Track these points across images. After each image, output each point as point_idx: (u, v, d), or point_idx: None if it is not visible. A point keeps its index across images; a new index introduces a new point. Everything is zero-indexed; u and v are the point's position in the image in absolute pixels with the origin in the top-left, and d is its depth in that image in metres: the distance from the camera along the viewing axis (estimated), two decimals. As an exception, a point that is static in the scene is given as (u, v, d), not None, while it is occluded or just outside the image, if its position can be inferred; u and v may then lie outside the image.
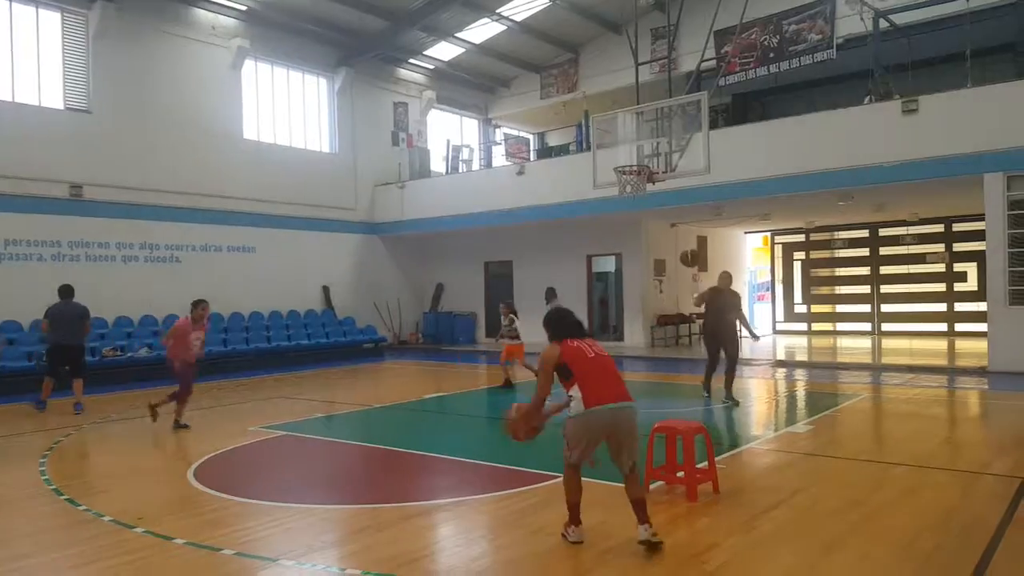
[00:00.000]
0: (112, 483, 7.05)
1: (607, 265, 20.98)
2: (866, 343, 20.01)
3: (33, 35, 15.27)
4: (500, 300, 14.59)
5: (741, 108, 20.99)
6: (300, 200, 19.69)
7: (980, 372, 13.28)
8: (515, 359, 12.73)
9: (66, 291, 11.29)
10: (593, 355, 4.88)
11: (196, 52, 17.58)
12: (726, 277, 11.03)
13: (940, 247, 20.78)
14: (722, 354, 10.77)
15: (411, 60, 22.35)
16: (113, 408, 11.31)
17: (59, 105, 15.56)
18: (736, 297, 10.94)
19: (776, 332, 23.49)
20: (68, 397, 10.98)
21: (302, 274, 19.68)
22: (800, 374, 14.51)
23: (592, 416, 4.72)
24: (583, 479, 4.91)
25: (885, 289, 21.88)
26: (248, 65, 18.69)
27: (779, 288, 23.97)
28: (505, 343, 12.84)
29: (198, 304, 9.88)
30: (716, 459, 6.20)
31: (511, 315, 12.99)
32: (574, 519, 4.90)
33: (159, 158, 16.72)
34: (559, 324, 5.15)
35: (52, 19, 15.50)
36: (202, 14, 17.69)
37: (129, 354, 14.93)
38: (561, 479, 4.88)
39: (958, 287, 20.53)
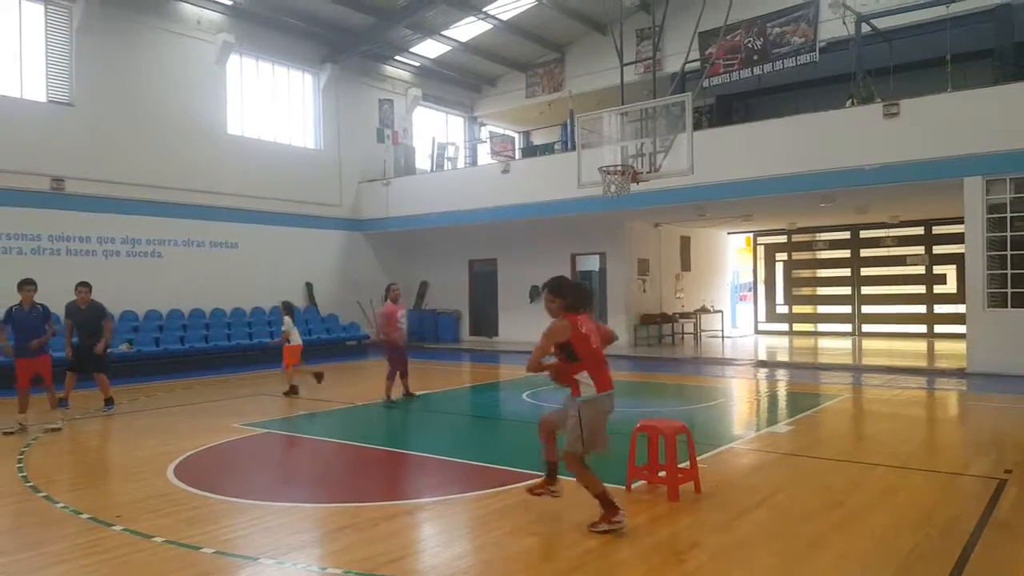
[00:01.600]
0: (90, 480, 6.99)
1: (591, 264, 21.03)
2: (847, 344, 20.18)
3: (16, 27, 15.09)
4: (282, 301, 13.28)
5: (725, 109, 21.08)
6: (284, 196, 19.59)
7: (959, 374, 13.43)
8: (290, 364, 12.02)
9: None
10: (596, 346, 5.07)
11: (180, 46, 17.43)
12: None
13: (920, 249, 21.00)
14: None
15: (397, 57, 22.29)
16: (93, 404, 11.19)
17: (41, 98, 15.38)
18: None
19: (758, 332, 23.65)
20: (43, 394, 10.87)
21: (285, 270, 19.57)
22: (781, 374, 14.61)
23: (604, 400, 5.00)
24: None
25: (866, 291, 22.07)
26: (233, 60, 18.55)
27: (761, 289, 24.13)
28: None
29: (393, 286, 11.54)
30: (698, 459, 6.23)
31: (285, 316, 12.36)
32: (612, 506, 4.89)
33: (142, 152, 16.57)
34: (578, 294, 5.12)
35: (35, 11, 15.32)
36: (187, 8, 17.54)
37: (109, 350, 14.74)
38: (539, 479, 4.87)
39: (938, 289, 20.75)
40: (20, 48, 15.15)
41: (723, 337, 21.97)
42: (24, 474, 6.92)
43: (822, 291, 23.70)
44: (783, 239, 23.49)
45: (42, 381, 9.51)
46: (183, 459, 7.46)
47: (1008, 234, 13.07)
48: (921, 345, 19.08)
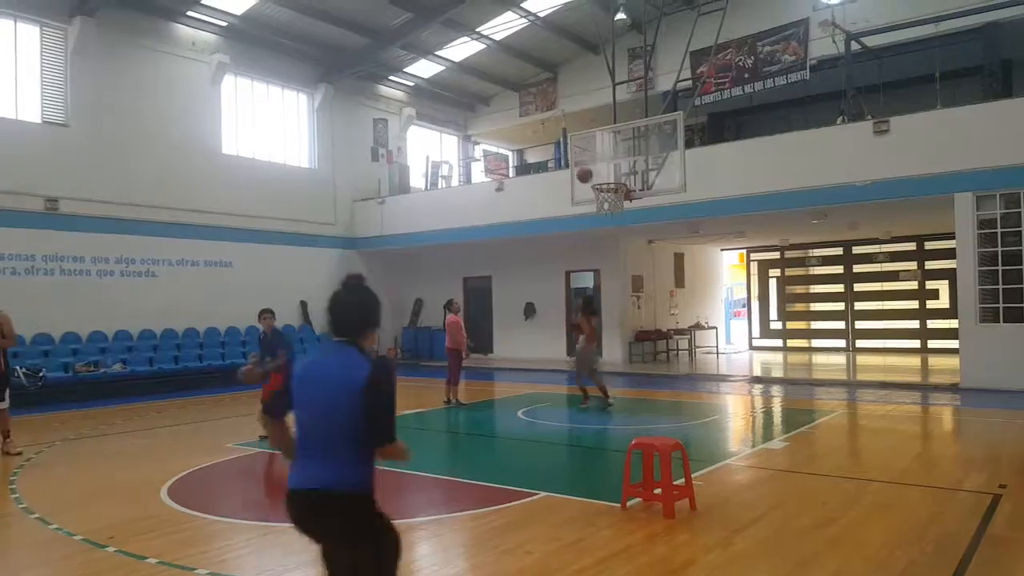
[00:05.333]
0: (84, 501, 6.95)
1: (586, 281, 21.07)
2: (841, 359, 20.22)
3: (11, 48, 15.15)
4: None
5: (716, 127, 21.24)
6: (279, 215, 19.61)
7: (952, 389, 13.46)
8: None
9: None
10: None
11: (176, 67, 17.51)
12: None
13: (912, 265, 21.10)
14: None
15: (391, 77, 22.41)
16: (86, 425, 11.14)
17: (36, 118, 15.41)
18: None
19: (752, 348, 23.68)
20: (37, 414, 10.80)
21: (280, 289, 19.50)
22: (776, 390, 14.62)
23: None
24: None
25: (859, 306, 22.14)
26: (228, 80, 18.64)
27: (755, 304, 24.18)
28: None
29: (454, 300, 13.41)
30: (693, 476, 6.24)
31: None
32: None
33: (137, 172, 16.59)
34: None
35: (31, 33, 15.38)
36: (182, 29, 17.64)
37: (103, 369, 14.73)
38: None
39: (930, 304, 20.82)
40: (15, 69, 15.20)
41: (717, 353, 21.99)
42: (17, 495, 6.88)
43: (816, 307, 23.78)
44: (776, 255, 23.58)
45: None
46: (177, 479, 7.44)
47: (999, 249, 13.16)
48: (914, 360, 19.12)
